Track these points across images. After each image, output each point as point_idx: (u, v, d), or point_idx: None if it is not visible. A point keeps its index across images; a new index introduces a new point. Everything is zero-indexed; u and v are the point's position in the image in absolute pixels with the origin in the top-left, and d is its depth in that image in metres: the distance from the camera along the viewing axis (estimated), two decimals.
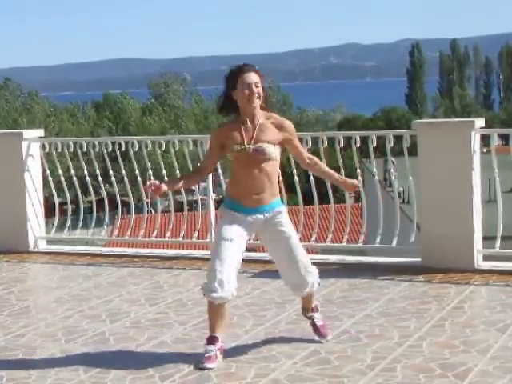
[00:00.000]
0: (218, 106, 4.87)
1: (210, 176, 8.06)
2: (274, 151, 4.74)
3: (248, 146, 4.70)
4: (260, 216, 4.80)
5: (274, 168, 4.78)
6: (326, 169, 5.11)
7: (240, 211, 4.77)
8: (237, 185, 4.79)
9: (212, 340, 4.77)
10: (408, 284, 6.54)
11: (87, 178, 8.49)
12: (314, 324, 5.16)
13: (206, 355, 4.73)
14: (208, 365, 4.69)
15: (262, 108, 4.78)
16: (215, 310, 4.76)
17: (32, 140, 8.59)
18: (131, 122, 62.63)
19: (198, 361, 4.75)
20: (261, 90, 4.72)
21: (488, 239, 7.08)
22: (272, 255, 5.10)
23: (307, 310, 5.20)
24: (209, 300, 4.75)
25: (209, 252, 8.01)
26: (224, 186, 8.33)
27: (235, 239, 4.77)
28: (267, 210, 4.80)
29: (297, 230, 7.71)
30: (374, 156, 7.56)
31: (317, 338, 5.12)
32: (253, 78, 4.71)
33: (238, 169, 4.77)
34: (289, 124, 4.85)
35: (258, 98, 4.71)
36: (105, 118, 65.01)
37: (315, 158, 5.05)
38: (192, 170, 5.21)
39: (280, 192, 5.10)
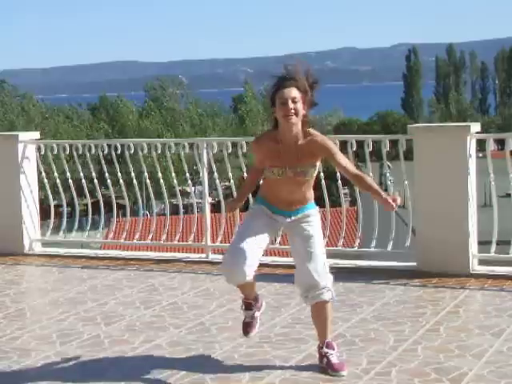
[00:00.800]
0: (271, 122, 4.65)
1: (206, 179, 8.06)
2: (314, 171, 4.59)
3: (288, 170, 4.52)
4: (288, 217, 4.67)
5: (310, 182, 4.66)
6: (373, 185, 4.56)
7: (271, 210, 4.66)
8: (271, 194, 4.66)
9: (248, 305, 4.95)
10: (403, 288, 6.55)
11: (83, 181, 8.48)
12: (328, 361, 4.61)
13: (246, 321, 4.94)
14: (251, 333, 4.93)
15: (303, 125, 4.50)
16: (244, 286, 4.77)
17: (28, 142, 8.59)
18: (127, 125, 62.61)
19: (242, 331, 4.96)
20: (299, 105, 4.43)
21: (483, 244, 7.09)
22: (292, 253, 4.85)
23: (321, 341, 4.69)
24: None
25: (204, 255, 8.03)
26: (220, 190, 8.36)
27: (261, 226, 4.61)
28: (297, 213, 4.66)
29: None
30: (369, 160, 7.56)
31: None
32: (290, 93, 4.42)
33: (274, 184, 4.62)
34: (326, 144, 4.54)
35: (295, 114, 4.42)
36: (101, 121, 65.00)
37: (361, 174, 4.59)
38: (244, 184, 4.99)
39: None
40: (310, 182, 4.66)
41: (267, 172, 4.61)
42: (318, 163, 4.65)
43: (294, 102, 4.41)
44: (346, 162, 4.57)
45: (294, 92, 4.42)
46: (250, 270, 4.55)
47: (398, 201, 4.41)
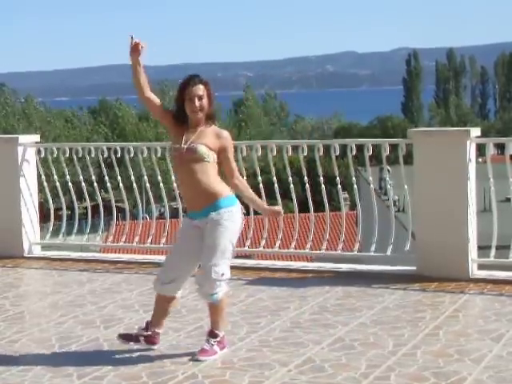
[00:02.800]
0: (173, 115, 5.05)
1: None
2: (207, 152, 4.92)
3: (183, 146, 4.93)
4: (203, 221, 4.99)
5: (205, 170, 4.92)
6: (252, 195, 5.17)
7: (190, 217, 5.08)
8: (181, 191, 5.12)
9: (146, 325, 5.23)
10: (403, 292, 6.55)
11: (82, 184, 8.48)
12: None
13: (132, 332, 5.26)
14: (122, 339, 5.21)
15: (207, 119, 4.98)
16: (157, 300, 5.28)
17: (28, 145, 8.59)
18: (127, 129, 62.61)
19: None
20: (204, 102, 4.93)
21: (483, 248, 7.09)
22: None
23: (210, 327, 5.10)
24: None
25: None
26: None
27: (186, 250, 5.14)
28: (207, 212, 4.95)
29: (292, 237, 7.75)
30: (369, 164, 7.57)
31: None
32: (197, 91, 4.91)
33: (177, 173, 5.10)
34: (227, 134, 5.05)
35: (201, 110, 4.92)
36: (101, 124, 65.02)
37: (244, 183, 5.16)
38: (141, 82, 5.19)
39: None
40: (208, 169, 4.92)
41: (171, 152, 5.08)
42: (214, 154, 4.94)
43: (200, 99, 4.91)
44: (234, 164, 5.10)
45: (201, 90, 4.92)
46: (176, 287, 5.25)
47: (279, 208, 5.16)
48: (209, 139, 4.95)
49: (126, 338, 5.22)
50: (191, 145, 4.92)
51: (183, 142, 4.95)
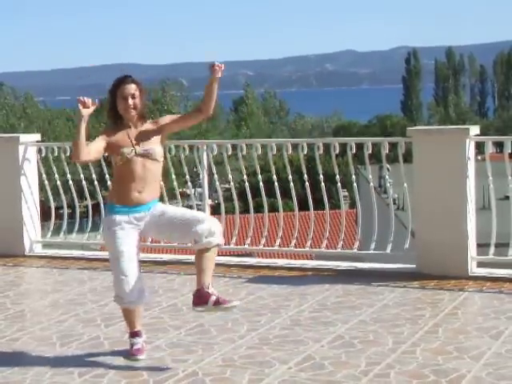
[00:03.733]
0: (107, 114, 5.12)
1: (206, 181, 8.09)
2: (160, 152, 5.01)
3: (138, 148, 4.95)
4: (143, 214, 4.98)
5: (158, 169, 5.04)
6: (208, 94, 4.99)
7: (126, 212, 4.97)
8: (123, 187, 4.99)
9: (136, 334, 5.06)
10: (402, 290, 6.57)
11: (83, 183, 8.50)
12: (217, 299, 4.89)
13: (134, 347, 5.01)
14: (140, 356, 4.98)
15: (140, 117, 5.01)
16: (132, 312, 5.05)
17: (29, 144, 8.61)
18: None
19: (126, 355, 4.99)
20: (137, 101, 4.97)
21: (482, 246, 7.11)
22: (163, 234, 5.20)
23: (203, 282, 4.93)
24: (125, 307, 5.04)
25: None
26: (220, 192, 8.37)
27: (131, 248, 5.00)
28: (151, 205, 5.00)
29: (292, 235, 7.77)
30: (369, 163, 7.59)
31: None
32: (130, 89, 4.95)
33: (125, 173, 4.95)
34: (161, 118, 5.14)
35: (134, 108, 4.96)
36: (102, 123, 65.00)
37: (201, 103, 5.02)
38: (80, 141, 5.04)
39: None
40: (159, 170, 5.03)
41: (118, 158, 4.95)
42: (161, 149, 5.03)
43: (133, 97, 4.96)
44: (183, 114, 5.17)
45: (133, 88, 4.97)
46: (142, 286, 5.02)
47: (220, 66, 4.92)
48: (154, 135, 5.01)
49: (139, 352, 5.04)
50: (146, 147, 4.95)
51: (136, 144, 4.94)
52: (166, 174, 8.53)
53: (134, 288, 4.91)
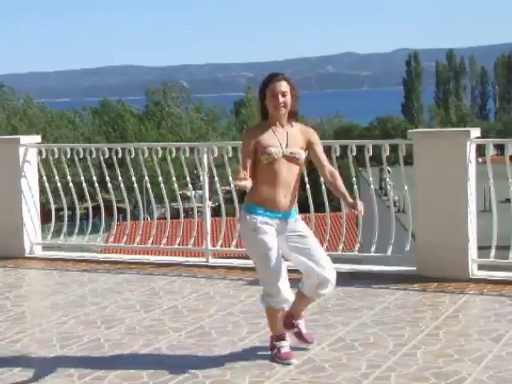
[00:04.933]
0: (258, 114, 4.96)
1: (206, 184, 8.08)
2: (304, 157, 4.90)
3: (285, 149, 4.81)
4: (284, 221, 4.89)
5: (299, 172, 4.91)
6: (342, 189, 4.89)
7: (268, 216, 4.83)
8: (266, 189, 4.83)
9: (282, 337, 4.99)
10: (403, 293, 6.56)
11: (84, 185, 8.50)
12: (299, 332, 5.06)
13: (283, 351, 4.93)
14: (291, 360, 4.89)
15: (289, 116, 4.87)
16: (275, 316, 4.96)
17: (29, 146, 8.61)
18: (129, 130, 62.63)
19: (275, 358, 4.92)
20: (288, 99, 4.80)
21: (483, 249, 7.10)
22: (286, 251, 5.00)
23: (298, 315, 5.04)
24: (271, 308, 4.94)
25: (204, 259, 8.04)
26: (221, 194, 8.37)
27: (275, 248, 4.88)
28: (291, 215, 4.93)
29: None
30: (369, 165, 7.58)
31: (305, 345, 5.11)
32: (280, 87, 4.79)
33: (270, 173, 4.80)
34: (313, 131, 4.99)
35: (284, 106, 4.80)
36: (103, 125, 65.01)
37: (336, 174, 4.94)
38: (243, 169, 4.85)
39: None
40: (299, 174, 4.90)
41: (263, 156, 4.78)
42: (305, 153, 4.92)
43: (283, 95, 4.79)
44: (325, 157, 4.96)
45: (284, 86, 4.80)
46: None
47: (361, 209, 4.78)
48: (299, 139, 4.88)
49: (288, 355, 4.97)
50: (293, 150, 4.82)
51: (283, 144, 4.81)
52: (166, 176, 8.58)
53: (287, 287, 4.85)
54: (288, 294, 4.89)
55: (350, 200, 4.83)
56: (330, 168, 4.95)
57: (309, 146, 4.93)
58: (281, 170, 4.81)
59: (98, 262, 8.27)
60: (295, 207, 5.02)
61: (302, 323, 5.10)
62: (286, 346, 4.98)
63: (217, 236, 8.24)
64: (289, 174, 4.83)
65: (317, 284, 4.84)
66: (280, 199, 4.83)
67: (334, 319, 5.81)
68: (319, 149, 4.95)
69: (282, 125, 4.86)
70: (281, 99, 4.79)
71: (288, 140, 4.84)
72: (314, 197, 7.73)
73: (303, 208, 8.46)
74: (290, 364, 4.85)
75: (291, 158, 4.82)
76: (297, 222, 4.97)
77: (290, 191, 4.87)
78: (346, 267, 7.43)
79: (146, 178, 8.21)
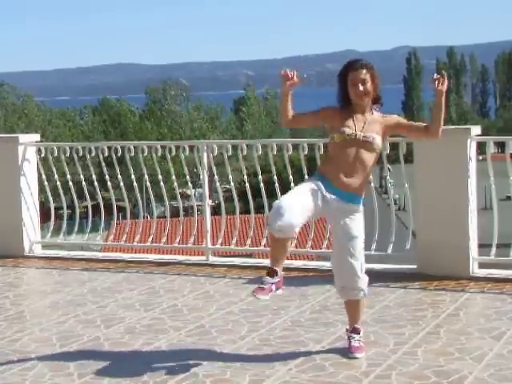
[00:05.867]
0: (338, 100, 4.94)
1: (206, 182, 8.07)
2: (379, 143, 4.84)
3: (359, 133, 4.80)
4: (338, 199, 4.81)
5: (371, 160, 4.86)
6: (437, 115, 4.87)
7: (326, 186, 4.79)
8: (333, 164, 4.85)
9: (272, 273, 4.73)
10: (403, 291, 6.55)
11: (83, 183, 8.49)
12: (349, 343, 4.99)
13: (260, 285, 4.69)
14: (260, 295, 4.66)
15: (374, 102, 4.88)
16: (276, 243, 4.77)
17: (28, 144, 8.59)
18: (129, 128, 62.65)
19: (252, 289, 4.74)
20: (368, 86, 4.80)
21: (483, 247, 7.09)
22: (333, 241, 5.02)
23: (350, 325, 5.05)
24: (270, 232, 4.76)
25: (204, 257, 8.03)
26: (220, 193, 8.36)
27: (309, 194, 4.77)
28: (349, 198, 4.82)
29: None
30: None
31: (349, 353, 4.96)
32: (360, 75, 4.79)
33: (340, 151, 4.82)
34: (393, 116, 4.96)
35: (366, 94, 4.81)
36: (102, 123, 65.03)
37: (429, 125, 4.90)
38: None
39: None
40: (370, 160, 4.84)
41: (336, 135, 4.82)
42: (381, 142, 4.88)
43: (363, 83, 4.79)
44: (412, 123, 4.97)
45: (364, 74, 4.80)
46: (295, 225, 4.70)
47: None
48: (379, 124, 4.86)
49: (261, 291, 4.72)
50: (367, 134, 4.80)
51: (358, 128, 4.81)
52: (166, 175, 8.56)
53: (291, 214, 4.63)
54: (288, 217, 4.61)
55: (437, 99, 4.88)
56: (421, 125, 4.94)
57: (391, 128, 4.90)
58: (350, 152, 4.79)
59: (97, 260, 8.26)
60: (358, 195, 4.85)
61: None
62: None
63: (217, 234, 8.23)
64: (358, 157, 4.80)
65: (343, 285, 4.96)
66: (341, 177, 4.79)
67: (334, 317, 5.80)
68: (404, 121, 4.93)
69: (363, 112, 4.86)
70: (361, 87, 4.78)
71: (365, 125, 4.83)
72: None
73: None
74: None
75: (364, 142, 4.79)
76: (350, 206, 4.82)
77: (355, 174, 4.80)
78: None
79: (146, 176, 8.20)
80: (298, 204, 4.68)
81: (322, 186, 4.80)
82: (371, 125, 4.84)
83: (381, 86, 4.90)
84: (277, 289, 4.75)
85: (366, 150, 4.82)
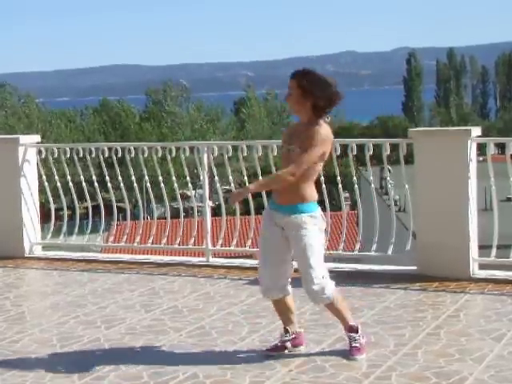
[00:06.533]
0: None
1: (206, 183, 8.07)
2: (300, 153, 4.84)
3: (285, 145, 4.94)
4: (280, 214, 4.91)
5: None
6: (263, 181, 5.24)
7: (270, 206, 5.00)
8: None
9: (284, 330, 5.09)
10: (404, 292, 6.54)
11: (83, 184, 8.49)
12: (349, 344, 4.98)
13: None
14: (271, 352, 4.99)
15: (313, 110, 4.86)
16: (274, 305, 5.16)
17: (28, 145, 8.59)
18: (129, 129, 62.63)
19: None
20: (293, 94, 4.86)
21: (484, 248, 7.09)
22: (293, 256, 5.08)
23: (344, 327, 5.05)
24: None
25: (204, 259, 8.03)
26: (221, 194, 8.36)
27: (270, 241, 4.99)
28: (287, 210, 4.87)
29: None
30: (370, 164, 7.56)
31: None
32: (289, 83, 4.92)
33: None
34: (313, 133, 4.81)
35: (288, 101, 4.93)
36: (103, 124, 65.01)
37: (278, 173, 4.94)
38: None
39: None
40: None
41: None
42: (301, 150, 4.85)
43: (289, 93, 4.89)
44: (296, 162, 4.78)
45: (290, 82, 4.89)
46: (277, 287, 5.02)
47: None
48: (301, 137, 4.86)
49: (274, 350, 5.04)
50: (291, 146, 4.89)
51: (287, 140, 4.95)
52: (166, 176, 8.56)
53: (267, 275, 4.97)
54: (265, 281, 4.99)
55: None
56: (281, 171, 4.90)
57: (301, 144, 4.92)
58: (283, 166, 4.87)
59: (97, 261, 8.26)
60: (294, 204, 4.86)
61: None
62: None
63: (217, 235, 8.22)
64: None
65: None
66: (279, 191, 4.92)
67: (334, 319, 5.75)
68: (300, 152, 4.80)
69: (302, 121, 4.93)
70: (287, 96, 4.91)
71: (292, 136, 4.92)
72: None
73: None
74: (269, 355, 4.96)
75: (288, 153, 4.88)
76: (295, 218, 4.85)
77: (288, 186, 4.83)
78: (347, 266, 7.42)
79: (146, 177, 8.20)
80: (266, 268, 4.98)
81: (272, 211, 4.96)
82: (295, 135, 4.90)
83: (320, 93, 4.80)
84: (295, 346, 5.04)
85: (291, 160, 4.85)
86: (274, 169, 7.74)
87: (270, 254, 4.95)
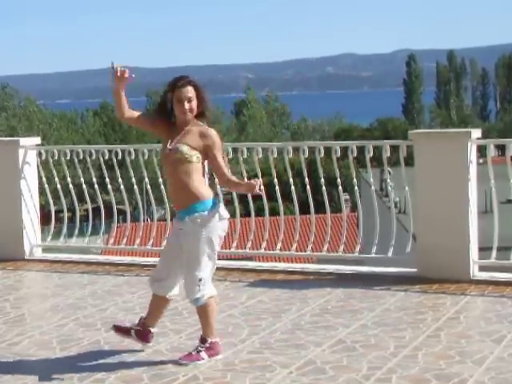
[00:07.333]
0: (157, 108, 5.06)
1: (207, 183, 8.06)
2: (189, 152, 4.86)
3: (169, 145, 4.93)
4: (177, 220, 5.03)
5: (188, 170, 4.87)
6: (234, 180, 4.94)
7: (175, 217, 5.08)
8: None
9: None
10: (404, 294, 6.54)
11: (83, 186, 8.48)
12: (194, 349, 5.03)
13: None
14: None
15: (198, 117, 4.96)
16: (152, 298, 5.38)
17: (29, 147, 8.59)
18: (130, 131, 62.61)
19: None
20: (194, 104, 4.90)
21: (484, 250, 7.09)
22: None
23: (202, 333, 5.09)
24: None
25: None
26: (221, 195, 8.36)
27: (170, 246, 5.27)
28: (185, 215, 4.93)
29: (293, 238, 7.73)
30: (370, 166, 7.56)
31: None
32: (186, 93, 4.87)
33: (167, 171, 5.01)
34: (212, 132, 4.96)
35: (190, 111, 4.90)
36: (104, 126, 65.02)
37: (233, 178, 4.92)
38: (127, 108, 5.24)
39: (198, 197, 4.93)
40: (190, 170, 4.86)
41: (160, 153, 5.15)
42: (197, 153, 4.89)
43: (189, 101, 4.88)
44: (223, 163, 4.91)
45: (189, 91, 4.89)
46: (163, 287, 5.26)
47: (260, 182, 4.76)
48: (192, 138, 4.90)
49: (119, 330, 5.27)
50: (175, 145, 4.88)
51: (169, 143, 4.93)
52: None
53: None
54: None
55: (246, 180, 5.13)
56: (229, 173, 4.91)
57: (206, 150, 4.92)
58: (168, 169, 4.94)
59: (97, 263, 8.26)
60: (186, 208, 4.90)
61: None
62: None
63: None
64: (175, 172, 4.90)
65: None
66: (173, 197, 5.00)
67: (334, 320, 5.79)
68: (217, 153, 4.90)
69: (185, 126, 4.94)
70: (186, 105, 4.87)
71: (178, 139, 4.90)
72: (314, 198, 7.71)
73: (304, 209, 8.47)
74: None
75: (173, 154, 4.88)
76: (189, 224, 4.91)
77: (179, 189, 4.90)
78: (347, 268, 7.41)
79: (146, 179, 8.19)
80: (165, 269, 5.33)
81: (176, 222, 5.07)
82: (184, 136, 4.90)
83: (208, 98, 5.00)
84: (138, 338, 5.25)
85: (177, 161, 4.87)
86: (274, 171, 7.75)
87: (169, 259, 5.28)
